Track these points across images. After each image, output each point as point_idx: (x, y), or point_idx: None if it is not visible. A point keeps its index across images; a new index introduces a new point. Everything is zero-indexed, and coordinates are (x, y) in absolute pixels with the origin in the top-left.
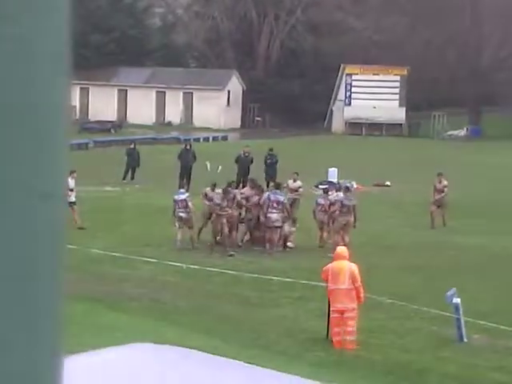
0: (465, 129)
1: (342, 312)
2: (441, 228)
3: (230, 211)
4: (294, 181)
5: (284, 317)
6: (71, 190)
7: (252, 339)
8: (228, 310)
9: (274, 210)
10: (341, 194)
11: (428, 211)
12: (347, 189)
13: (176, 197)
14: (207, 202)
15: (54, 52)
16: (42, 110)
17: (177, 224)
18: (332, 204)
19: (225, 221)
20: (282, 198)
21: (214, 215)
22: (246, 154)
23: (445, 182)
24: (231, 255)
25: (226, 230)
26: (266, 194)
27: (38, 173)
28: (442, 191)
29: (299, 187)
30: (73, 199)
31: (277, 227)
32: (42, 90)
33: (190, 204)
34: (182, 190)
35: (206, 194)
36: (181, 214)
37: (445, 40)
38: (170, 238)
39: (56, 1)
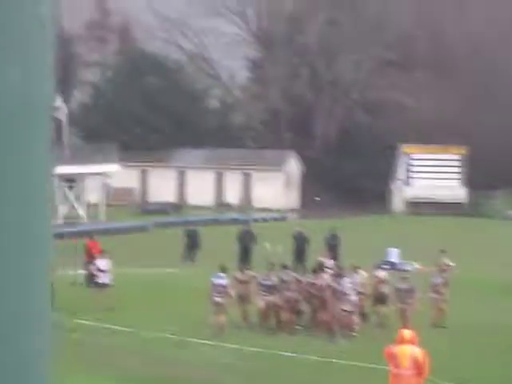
0: None
1: None
2: (500, 308)
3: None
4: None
5: None
6: (102, 271)
7: None
8: None
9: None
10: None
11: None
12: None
13: (214, 280)
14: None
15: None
16: None
17: (212, 309)
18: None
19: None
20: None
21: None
22: (300, 233)
23: (445, 260)
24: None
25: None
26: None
27: None
28: (445, 271)
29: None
30: (106, 281)
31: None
32: None
33: (229, 290)
34: (221, 274)
35: (235, 278)
36: (217, 299)
37: (504, 118)
38: (228, 319)
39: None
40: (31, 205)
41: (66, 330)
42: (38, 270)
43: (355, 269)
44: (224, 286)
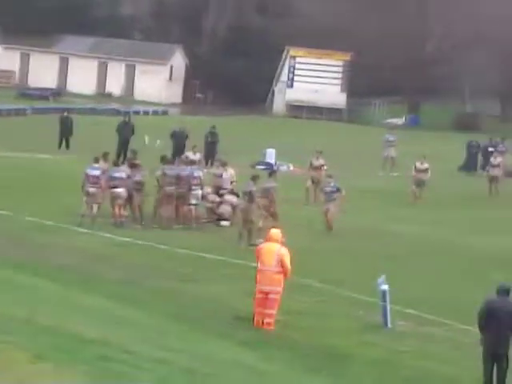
0: (403, 117)
1: (266, 293)
2: (376, 215)
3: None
4: (194, 153)
5: (214, 294)
6: None
7: (181, 315)
8: (159, 284)
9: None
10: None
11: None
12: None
13: (88, 171)
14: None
15: None
16: None
17: (84, 198)
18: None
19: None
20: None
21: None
22: (182, 130)
23: (321, 161)
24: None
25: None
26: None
27: None
28: (320, 169)
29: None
30: None
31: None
32: None
33: (102, 182)
34: (96, 165)
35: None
36: (90, 189)
37: (390, 29)
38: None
39: None
40: None
41: None
42: None
43: (224, 165)
44: (97, 177)
